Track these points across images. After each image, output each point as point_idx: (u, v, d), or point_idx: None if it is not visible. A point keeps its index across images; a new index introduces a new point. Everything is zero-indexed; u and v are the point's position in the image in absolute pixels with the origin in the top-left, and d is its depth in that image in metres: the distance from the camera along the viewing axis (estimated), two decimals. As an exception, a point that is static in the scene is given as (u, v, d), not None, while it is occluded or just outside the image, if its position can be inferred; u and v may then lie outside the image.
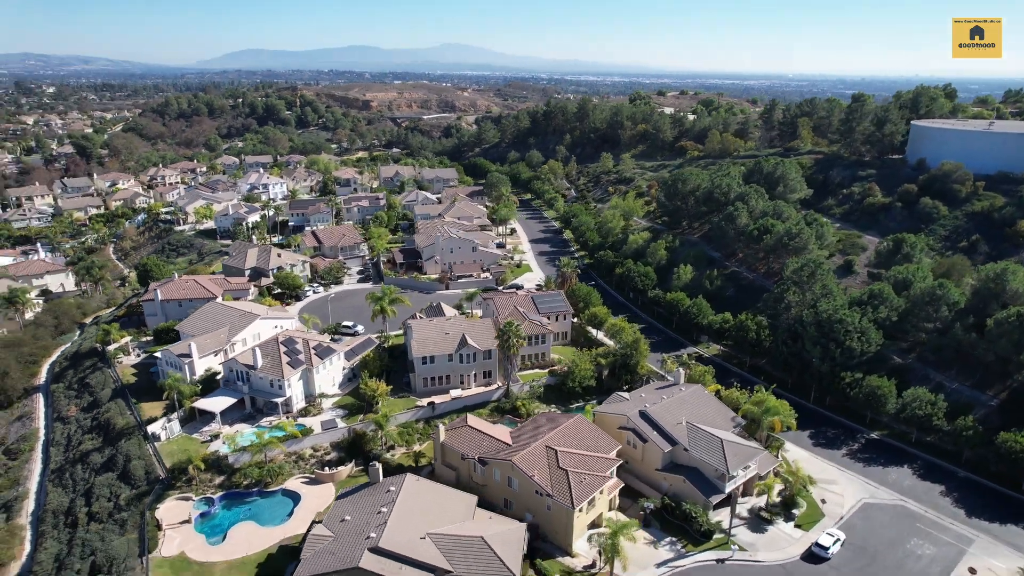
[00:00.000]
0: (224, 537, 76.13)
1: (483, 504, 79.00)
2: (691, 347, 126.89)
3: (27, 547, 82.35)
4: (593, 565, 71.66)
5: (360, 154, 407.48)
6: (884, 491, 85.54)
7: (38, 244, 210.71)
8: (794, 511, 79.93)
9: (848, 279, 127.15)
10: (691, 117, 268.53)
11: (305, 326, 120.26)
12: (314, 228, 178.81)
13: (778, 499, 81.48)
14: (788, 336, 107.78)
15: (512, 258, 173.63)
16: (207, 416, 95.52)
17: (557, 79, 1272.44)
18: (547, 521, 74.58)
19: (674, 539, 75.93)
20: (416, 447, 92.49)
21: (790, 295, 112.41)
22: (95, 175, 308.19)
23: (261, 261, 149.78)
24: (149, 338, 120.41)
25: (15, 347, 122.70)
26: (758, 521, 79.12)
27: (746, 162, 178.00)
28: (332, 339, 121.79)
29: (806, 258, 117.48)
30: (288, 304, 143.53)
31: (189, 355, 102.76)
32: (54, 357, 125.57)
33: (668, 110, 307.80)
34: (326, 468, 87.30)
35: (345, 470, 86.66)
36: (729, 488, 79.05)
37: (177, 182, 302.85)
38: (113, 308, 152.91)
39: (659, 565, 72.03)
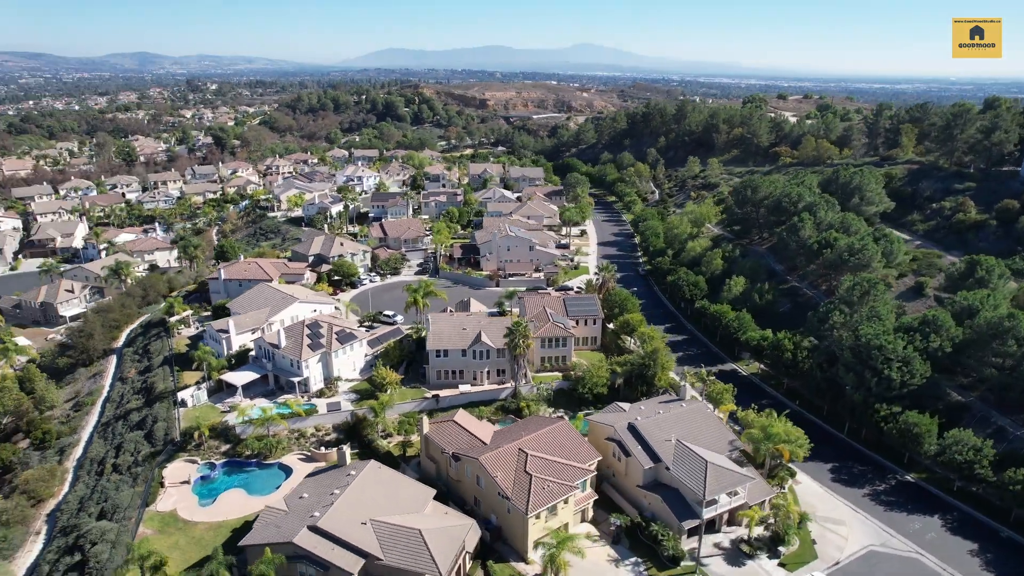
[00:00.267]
0: (214, 500, 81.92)
1: (455, 500, 79.67)
2: (731, 363, 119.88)
3: (65, 488, 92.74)
4: (544, 574, 69.92)
5: (467, 151, 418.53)
6: (899, 540, 76.57)
7: (156, 223, 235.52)
8: (780, 548, 73.55)
9: (917, 302, 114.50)
10: (792, 121, 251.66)
11: (343, 312, 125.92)
12: (383, 220, 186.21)
13: (766, 532, 75.37)
14: (824, 359, 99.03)
15: (571, 260, 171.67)
16: (234, 388, 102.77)
17: (689, 81, 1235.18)
18: (507, 524, 73.75)
19: (640, 560, 72.46)
20: (415, 437, 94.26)
21: (835, 315, 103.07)
22: (221, 163, 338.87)
23: (324, 249, 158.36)
24: (208, 313, 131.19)
25: (104, 313, 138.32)
26: (738, 554, 73.64)
27: (825, 170, 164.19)
28: (368, 327, 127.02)
29: (861, 276, 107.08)
30: (343, 291, 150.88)
31: (227, 331, 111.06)
32: (134, 325, 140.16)
33: (786, 115, 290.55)
34: (322, 448, 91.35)
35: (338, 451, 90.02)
36: (709, 514, 74.28)
37: (289, 172, 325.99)
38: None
39: (614, 585, 69.13)
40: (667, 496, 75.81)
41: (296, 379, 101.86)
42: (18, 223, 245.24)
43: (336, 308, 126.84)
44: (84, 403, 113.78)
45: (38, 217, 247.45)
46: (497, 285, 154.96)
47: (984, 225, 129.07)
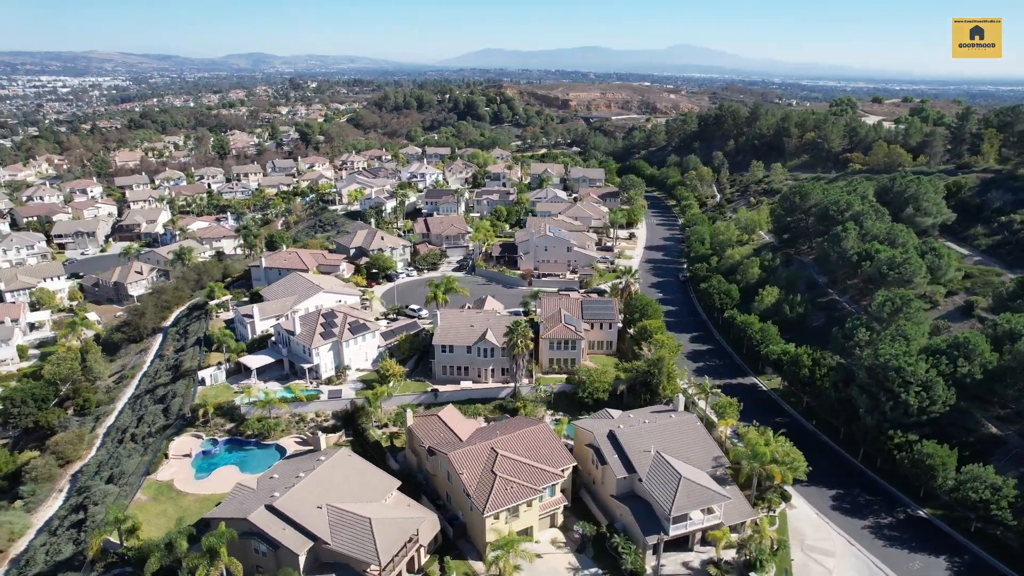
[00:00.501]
0: (209, 475, 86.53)
1: (430, 495, 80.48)
2: (752, 377, 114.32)
3: (92, 452, 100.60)
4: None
5: (541, 151, 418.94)
6: (892, 579, 70.71)
7: (227, 213, 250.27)
8: (752, 574, 69.52)
9: (963, 323, 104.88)
10: (869, 124, 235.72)
11: (370, 304, 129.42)
12: (427, 216, 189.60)
13: (740, 557, 71.41)
14: (841, 378, 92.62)
15: (612, 263, 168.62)
16: (251, 371, 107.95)
17: (791, 84, 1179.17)
18: (469, 522, 73.80)
19: (600, 572, 70.58)
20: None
21: (861, 332, 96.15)
22: (301, 158, 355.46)
23: (366, 242, 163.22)
24: (246, 299, 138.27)
25: (157, 294, 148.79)
26: None
27: (884, 178, 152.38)
28: (392, 319, 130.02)
29: (895, 292, 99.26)
30: (379, 283, 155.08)
31: (252, 316, 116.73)
32: (183, 307, 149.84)
33: (875, 118, 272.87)
34: (319, 433, 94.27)
35: (333, 437, 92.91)
36: (678, 531, 71.29)
37: (363, 167, 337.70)
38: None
39: (566, 593, 67.72)
40: (636, 508, 73.34)
41: (307, 365, 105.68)
42: (114, 209, 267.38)
43: (364, 299, 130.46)
44: (126, 376, 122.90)
45: (131, 204, 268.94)
46: (530, 284, 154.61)
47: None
